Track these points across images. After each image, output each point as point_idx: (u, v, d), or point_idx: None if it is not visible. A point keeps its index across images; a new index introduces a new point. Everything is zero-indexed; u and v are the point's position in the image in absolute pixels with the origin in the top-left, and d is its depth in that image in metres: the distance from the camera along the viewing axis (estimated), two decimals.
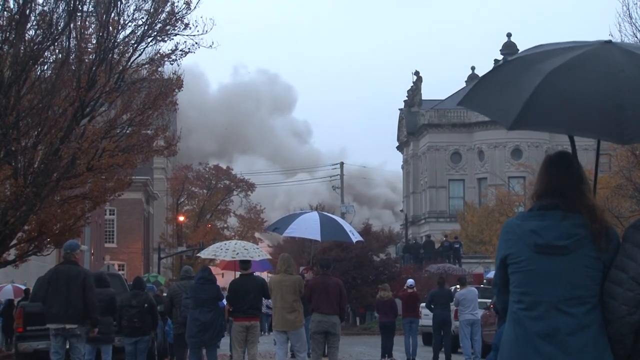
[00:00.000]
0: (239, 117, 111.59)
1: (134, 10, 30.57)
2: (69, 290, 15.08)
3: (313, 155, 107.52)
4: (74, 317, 15.15)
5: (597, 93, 4.61)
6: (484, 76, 5.06)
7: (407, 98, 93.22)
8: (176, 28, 31.19)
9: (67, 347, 15.37)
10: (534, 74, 4.69)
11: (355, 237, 20.60)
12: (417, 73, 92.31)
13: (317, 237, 19.70)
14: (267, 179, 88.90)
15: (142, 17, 30.57)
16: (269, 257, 24.83)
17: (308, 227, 19.48)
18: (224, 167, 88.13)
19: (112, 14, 29.35)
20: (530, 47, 5.19)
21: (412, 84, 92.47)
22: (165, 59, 31.64)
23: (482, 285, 33.55)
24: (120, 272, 50.84)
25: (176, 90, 33.16)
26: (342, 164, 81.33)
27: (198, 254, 32.96)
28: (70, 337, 15.16)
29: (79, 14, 28.61)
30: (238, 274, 20.05)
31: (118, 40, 29.85)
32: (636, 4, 30.20)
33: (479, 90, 5.01)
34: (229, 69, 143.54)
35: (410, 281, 30.26)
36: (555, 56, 4.78)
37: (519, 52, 5.36)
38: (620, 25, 30.57)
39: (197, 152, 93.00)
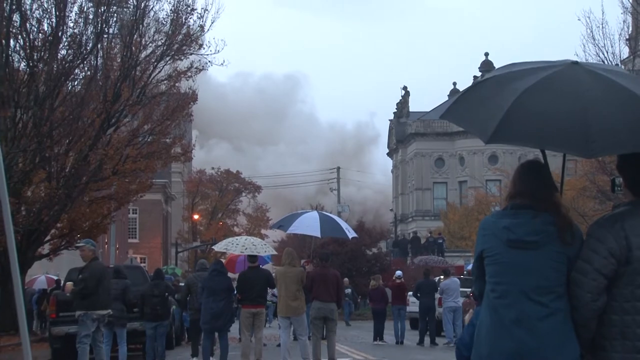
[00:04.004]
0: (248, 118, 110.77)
1: (154, 33, 30.69)
2: (108, 282, 15.63)
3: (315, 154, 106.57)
4: (110, 304, 15.70)
5: (565, 111, 4.59)
6: (464, 92, 5.03)
7: (396, 110, 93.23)
8: (191, 48, 31.32)
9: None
10: (509, 92, 4.66)
11: (351, 233, 20.58)
12: (405, 88, 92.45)
13: (317, 234, 19.69)
14: (270, 181, 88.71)
15: (162, 39, 30.69)
16: (274, 252, 24.76)
17: (309, 225, 19.46)
18: (234, 171, 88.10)
19: (135, 36, 29.45)
20: (505, 65, 5.16)
21: (400, 98, 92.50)
22: (182, 75, 31.73)
23: (462, 276, 33.52)
24: (142, 265, 50.84)
25: (191, 104, 33.28)
26: (338, 168, 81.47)
27: (212, 247, 33.06)
28: (102, 321, 15.31)
29: (105, 36, 28.71)
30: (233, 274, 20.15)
31: (140, 59, 29.94)
32: (599, 27, 30.26)
33: (459, 106, 4.99)
34: (232, 75, 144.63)
35: (399, 273, 30.28)
36: (527, 76, 4.74)
37: (496, 69, 5.33)
38: (584, 45, 30.63)
39: (218, 158, 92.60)
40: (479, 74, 79.10)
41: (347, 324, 40.23)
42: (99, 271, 15.40)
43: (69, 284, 15.95)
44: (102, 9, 27.98)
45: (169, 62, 31.23)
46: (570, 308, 4.56)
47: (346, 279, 42.65)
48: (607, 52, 30.02)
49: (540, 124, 4.60)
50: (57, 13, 26.60)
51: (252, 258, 18.70)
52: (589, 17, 30.37)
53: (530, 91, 4.62)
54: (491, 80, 4.93)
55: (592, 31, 30.14)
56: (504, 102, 4.62)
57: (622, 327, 4.43)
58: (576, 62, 4.83)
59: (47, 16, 26.73)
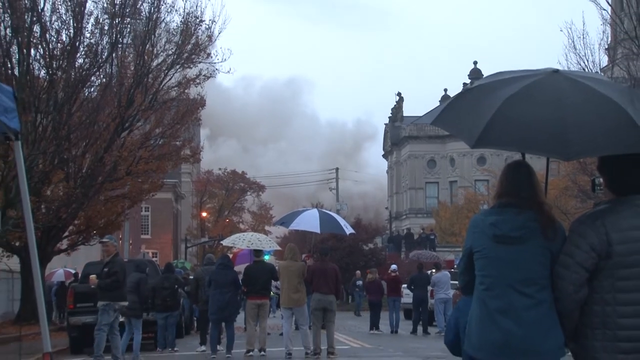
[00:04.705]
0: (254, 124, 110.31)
1: (165, 42, 30.74)
2: (127, 276, 15.76)
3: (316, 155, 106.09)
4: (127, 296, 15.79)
5: (545, 118, 4.59)
6: (452, 100, 5.02)
7: (391, 115, 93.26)
8: (200, 57, 31.35)
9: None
10: (493, 100, 4.66)
11: (348, 230, 20.57)
12: (399, 94, 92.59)
13: (317, 230, 19.68)
14: (273, 181, 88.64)
15: (172, 48, 30.73)
16: (278, 248, 24.80)
17: (309, 222, 19.45)
18: (240, 172, 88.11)
19: (147, 46, 29.46)
20: (492, 74, 5.15)
21: (395, 103, 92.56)
22: (191, 82, 31.79)
23: (452, 270, 33.51)
24: (154, 259, 50.82)
25: (200, 109, 33.33)
26: (337, 169, 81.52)
27: (221, 242, 33.03)
28: (121, 312, 15.40)
29: (119, 46, 28.72)
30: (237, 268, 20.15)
31: (152, 67, 29.97)
32: (580, 37, 30.26)
33: (448, 113, 5.00)
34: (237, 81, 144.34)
35: (394, 266, 30.32)
36: (510, 84, 4.74)
37: (483, 77, 5.32)
38: (567, 55, 30.62)
39: (224, 158, 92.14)
40: (468, 80, 79.08)
41: (356, 313, 40.16)
42: (125, 266, 15.54)
43: (93, 276, 15.95)
44: (117, 21, 27.99)
45: (179, 70, 31.27)
46: (554, 299, 4.56)
47: (358, 272, 42.65)
48: (588, 61, 30.01)
49: (521, 129, 4.61)
50: (75, 24, 26.60)
51: (258, 253, 18.71)
52: (570, 28, 30.40)
53: (512, 99, 4.62)
54: (477, 88, 4.93)
55: (573, 41, 30.14)
56: (488, 109, 4.63)
57: (604, 317, 4.43)
58: (556, 71, 4.83)
59: (65, 27, 26.74)
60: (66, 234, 30.24)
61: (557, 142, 4.53)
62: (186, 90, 32.17)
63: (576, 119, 4.53)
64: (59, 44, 26.68)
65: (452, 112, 4.97)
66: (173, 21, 31.19)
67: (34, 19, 25.93)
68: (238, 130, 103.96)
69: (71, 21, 26.63)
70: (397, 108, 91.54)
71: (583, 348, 4.51)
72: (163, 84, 30.85)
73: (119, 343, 15.47)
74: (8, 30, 25.55)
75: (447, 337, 5.11)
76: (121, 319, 16.58)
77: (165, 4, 30.17)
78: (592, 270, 4.46)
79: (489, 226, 4.70)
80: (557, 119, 4.54)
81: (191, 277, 26.58)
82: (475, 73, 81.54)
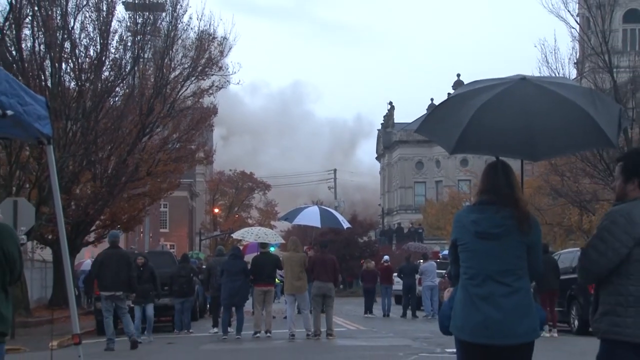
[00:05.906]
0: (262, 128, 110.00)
1: (182, 57, 30.79)
2: (118, 267, 15.29)
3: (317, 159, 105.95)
4: (121, 286, 15.39)
5: (514, 125, 4.61)
6: (433, 110, 5.05)
7: (383, 121, 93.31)
8: (213, 70, 31.39)
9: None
10: (467, 109, 4.66)
11: (346, 224, 20.62)
12: (390, 103, 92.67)
13: (318, 225, 19.70)
14: (278, 180, 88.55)
15: (188, 62, 30.78)
16: (283, 241, 24.79)
17: (311, 218, 19.47)
18: (248, 172, 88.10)
19: (166, 60, 29.48)
20: (469, 82, 5.16)
21: (387, 111, 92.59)
22: (205, 93, 31.84)
23: (438, 260, 33.50)
24: (171, 250, 50.82)
25: (212, 116, 33.40)
26: (335, 170, 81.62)
27: (232, 235, 33.02)
28: (115, 300, 15.27)
29: (141, 60, 28.71)
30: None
31: (170, 79, 29.99)
32: (552, 52, 30.24)
33: (430, 121, 5.01)
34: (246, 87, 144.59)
35: (386, 257, 30.35)
36: (482, 93, 4.73)
37: (462, 86, 5.32)
38: (540, 68, 30.56)
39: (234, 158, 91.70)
40: (452, 91, 78.94)
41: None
42: (100, 258, 15.43)
43: None
44: (139, 38, 28.00)
45: (194, 81, 31.31)
46: (584, 267, 4.49)
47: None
48: (559, 74, 29.91)
49: (493, 136, 4.64)
50: (101, 41, 26.59)
51: (264, 245, 18.71)
52: (543, 44, 30.33)
53: (484, 108, 4.63)
54: (455, 98, 4.94)
55: (546, 56, 30.07)
56: (463, 118, 4.65)
57: (639, 297, 4.43)
58: (524, 78, 4.84)
59: (92, 44, 26.71)
60: (93, 228, 30.25)
61: (526, 145, 4.56)
62: (200, 100, 32.24)
63: (542, 124, 4.55)
64: (87, 59, 26.67)
65: (432, 121, 4.99)
66: (189, 38, 31.23)
67: (65, 36, 25.92)
68: (245, 130, 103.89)
69: (98, 38, 26.62)
70: (389, 115, 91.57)
71: (613, 324, 4.49)
72: (180, 94, 30.89)
73: (129, 322, 15.50)
74: (42, 47, 25.56)
75: (443, 323, 4.99)
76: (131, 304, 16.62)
77: (182, 22, 30.25)
78: (625, 252, 4.42)
79: (471, 223, 4.70)
80: (525, 125, 4.56)
81: (204, 266, 26.58)
82: (458, 84, 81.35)
